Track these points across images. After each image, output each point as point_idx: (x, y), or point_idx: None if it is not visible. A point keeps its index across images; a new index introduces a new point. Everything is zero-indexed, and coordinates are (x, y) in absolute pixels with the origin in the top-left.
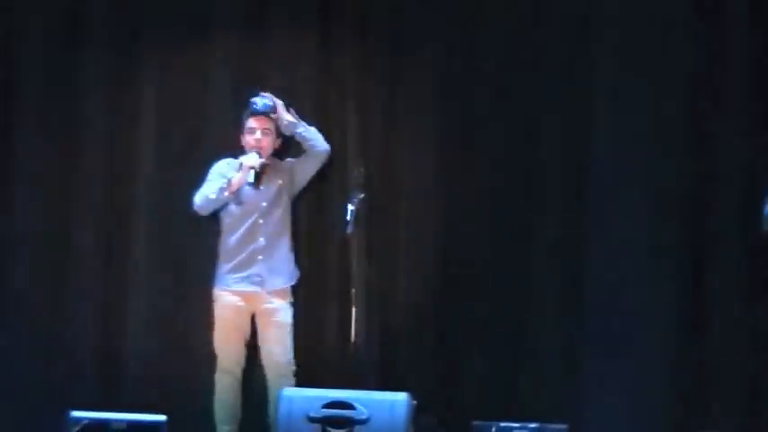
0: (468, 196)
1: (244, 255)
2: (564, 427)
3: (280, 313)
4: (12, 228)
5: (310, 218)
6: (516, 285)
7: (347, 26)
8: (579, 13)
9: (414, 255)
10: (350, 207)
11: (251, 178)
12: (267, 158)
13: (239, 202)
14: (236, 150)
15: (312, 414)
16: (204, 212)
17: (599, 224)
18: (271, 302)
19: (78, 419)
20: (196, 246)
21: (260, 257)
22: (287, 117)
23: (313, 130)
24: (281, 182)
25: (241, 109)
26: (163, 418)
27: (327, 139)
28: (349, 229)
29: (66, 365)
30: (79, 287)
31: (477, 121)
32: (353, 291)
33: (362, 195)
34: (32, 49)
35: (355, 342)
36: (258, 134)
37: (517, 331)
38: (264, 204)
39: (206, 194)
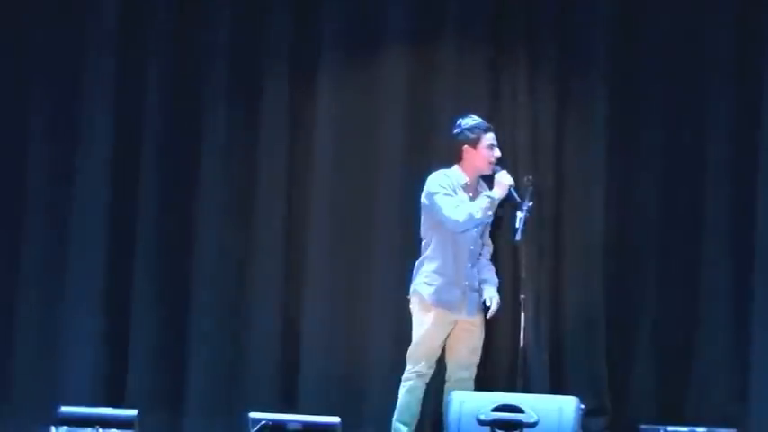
0: (635, 203)
1: (449, 277)
2: None
3: (476, 320)
4: (196, 239)
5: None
6: (684, 289)
7: (518, 40)
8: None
9: (582, 261)
10: (519, 215)
11: (515, 195)
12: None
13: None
14: (420, 163)
15: (482, 416)
16: (462, 229)
17: None
18: None
19: (257, 420)
20: (374, 252)
21: (465, 283)
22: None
23: None
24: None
25: (416, 122)
26: (337, 419)
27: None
28: (518, 237)
29: (248, 369)
30: (261, 293)
31: (643, 131)
32: (523, 297)
33: (531, 203)
34: (217, 68)
35: (525, 347)
36: (497, 150)
37: (685, 335)
38: (475, 231)
39: (470, 213)
